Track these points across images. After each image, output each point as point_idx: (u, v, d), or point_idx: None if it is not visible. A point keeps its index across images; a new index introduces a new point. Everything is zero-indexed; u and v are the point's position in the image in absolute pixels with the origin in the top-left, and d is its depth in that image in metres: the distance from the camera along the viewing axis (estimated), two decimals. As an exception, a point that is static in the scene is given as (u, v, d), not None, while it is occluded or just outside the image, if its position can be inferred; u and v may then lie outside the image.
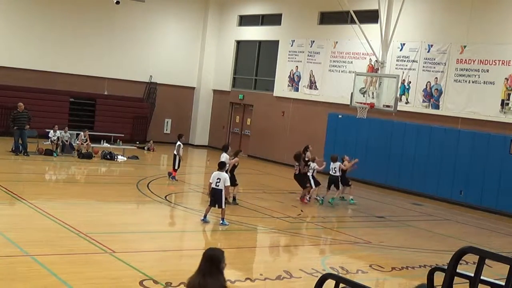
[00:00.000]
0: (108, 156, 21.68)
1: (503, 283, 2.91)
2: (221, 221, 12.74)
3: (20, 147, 20.32)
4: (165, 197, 15.54)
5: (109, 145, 23.22)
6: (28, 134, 20.77)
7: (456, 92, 19.36)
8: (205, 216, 12.85)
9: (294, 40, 25.47)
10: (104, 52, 27.28)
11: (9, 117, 21.28)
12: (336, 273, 9.17)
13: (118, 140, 24.83)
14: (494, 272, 4.96)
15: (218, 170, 12.81)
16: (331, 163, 17.23)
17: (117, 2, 25.10)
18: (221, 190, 12.49)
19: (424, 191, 20.04)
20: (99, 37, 27.16)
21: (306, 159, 16.98)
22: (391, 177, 21.01)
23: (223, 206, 12.66)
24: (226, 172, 14.02)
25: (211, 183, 12.60)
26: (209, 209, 12.83)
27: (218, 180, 12.48)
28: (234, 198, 15.34)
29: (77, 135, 22.67)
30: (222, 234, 12.73)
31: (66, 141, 21.76)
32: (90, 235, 10.60)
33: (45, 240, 10.21)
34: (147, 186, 16.97)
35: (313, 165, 17.01)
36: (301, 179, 16.81)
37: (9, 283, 7.87)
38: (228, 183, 12.85)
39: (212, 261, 4.79)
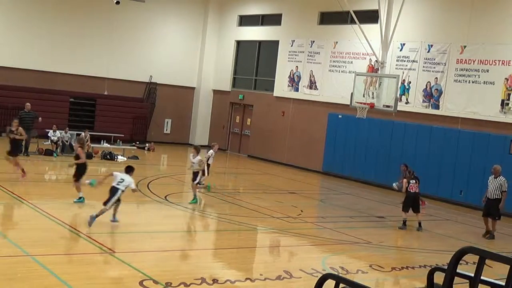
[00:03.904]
0: (108, 156, 21.68)
1: (503, 283, 2.90)
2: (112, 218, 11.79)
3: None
4: (165, 197, 15.54)
5: (109, 145, 23.21)
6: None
7: (456, 92, 19.35)
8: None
9: (294, 40, 25.46)
10: (104, 52, 27.27)
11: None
12: (336, 273, 9.18)
13: (118, 140, 24.82)
14: (494, 272, 4.96)
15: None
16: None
17: (117, 2, 25.10)
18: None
19: (424, 191, 20.00)
20: (99, 37, 27.16)
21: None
22: (391, 177, 20.98)
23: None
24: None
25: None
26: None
27: (121, 180, 12.02)
28: None
29: (77, 135, 22.63)
30: (222, 234, 12.74)
31: (66, 141, 21.76)
32: (90, 235, 10.60)
33: (45, 240, 10.20)
34: (147, 186, 16.97)
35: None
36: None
37: (9, 283, 7.86)
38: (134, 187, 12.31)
39: None
